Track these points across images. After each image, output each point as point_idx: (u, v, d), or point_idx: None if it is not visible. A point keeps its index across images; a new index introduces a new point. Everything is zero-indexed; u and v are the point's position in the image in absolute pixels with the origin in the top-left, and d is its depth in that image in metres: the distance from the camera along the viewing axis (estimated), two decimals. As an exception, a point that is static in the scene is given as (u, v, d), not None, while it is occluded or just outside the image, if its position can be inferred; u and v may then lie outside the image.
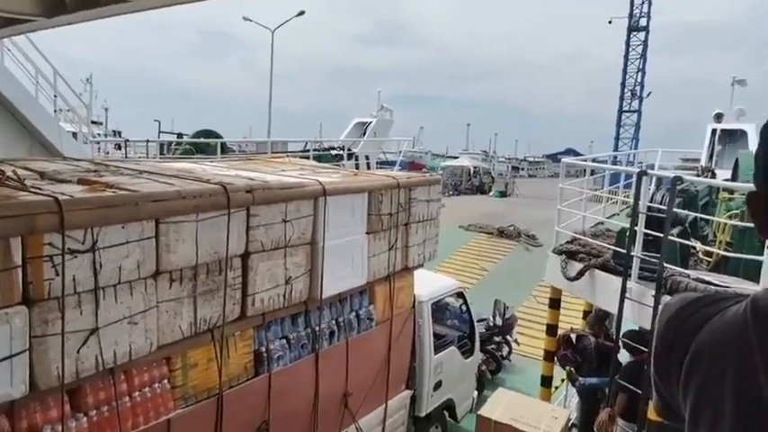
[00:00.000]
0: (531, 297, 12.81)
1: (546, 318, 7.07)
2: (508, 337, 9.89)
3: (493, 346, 9.41)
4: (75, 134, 11.38)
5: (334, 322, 4.58)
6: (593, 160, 11.70)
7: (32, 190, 2.81)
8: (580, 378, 6.17)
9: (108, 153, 15.99)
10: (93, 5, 4.86)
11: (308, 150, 14.08)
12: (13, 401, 2.50)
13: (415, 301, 5.72)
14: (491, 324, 9.43)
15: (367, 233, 4.65)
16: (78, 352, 2.71)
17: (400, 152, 16.92)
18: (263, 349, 3.91)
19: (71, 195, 2.70)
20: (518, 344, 9.99)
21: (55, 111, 9.75)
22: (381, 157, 18.90)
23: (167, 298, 3.13)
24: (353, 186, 4.48)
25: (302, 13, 25.99)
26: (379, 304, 5.06)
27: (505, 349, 9.72)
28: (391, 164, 18.25)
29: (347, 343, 4.67)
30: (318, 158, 11.68)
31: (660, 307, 1.01)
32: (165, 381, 3.30)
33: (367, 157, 15.95)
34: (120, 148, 16.18)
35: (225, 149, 12.70)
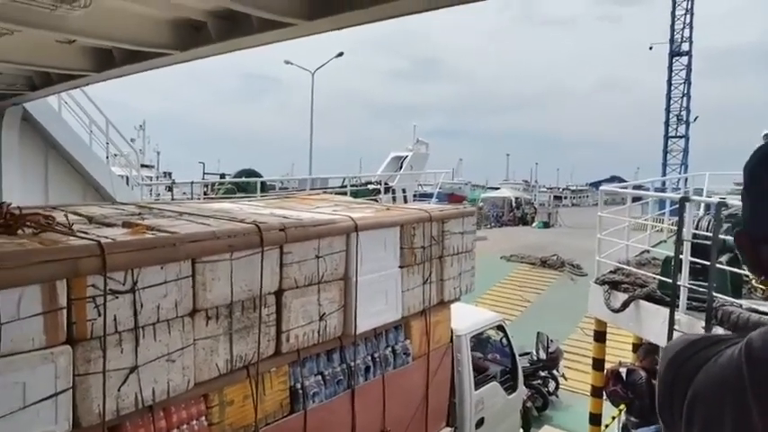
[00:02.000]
0: (577, 329, 12.38)
1: (592, 351, 6.80)
2: (555, 371, 9.56)
3: (538, 381, 9.11)
4: (127, 178, 12.02)
5: (369, 358, 4.56)
6: (636, 187, 11.38)
7: (79, 234, 2.98)
8: (632, 417, 5.86)
9: (159, 195, 16.74)
10: (137, 60, 5.21)
11: (346, 186, 14.32)
12: (57, 438, 2.59)
13: (452, 336, 5.63)
14: (535, 358, 9.14)
15: (400, 267, 4.66)
16: (119, 390, 2.80)
17: (437, 184, 16.95)
18: (299, 386, 3.92)
19: (113, 239, 2.85)
20: (565, 379, 9.63)
21: (107, 157, 10.33)
22: (419, 189, 18.99)
23: (204, 336, 3.22)
24: (385, 221, 4.53)
25: (341, 54, 26.88)
26: (415, 339, 5.01)
27: (552, 384, 9.37)
28: (429, 196, 18.29)
29: (383, 378, 4.62)
30: (356, 194, 11.86)
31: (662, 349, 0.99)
32: (203, 418, 3.34)
33: (404, 191, 16.08)
34: (170, 189, 16.89)
35: (265, 188, 13.09)
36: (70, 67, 6.07)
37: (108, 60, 5.90)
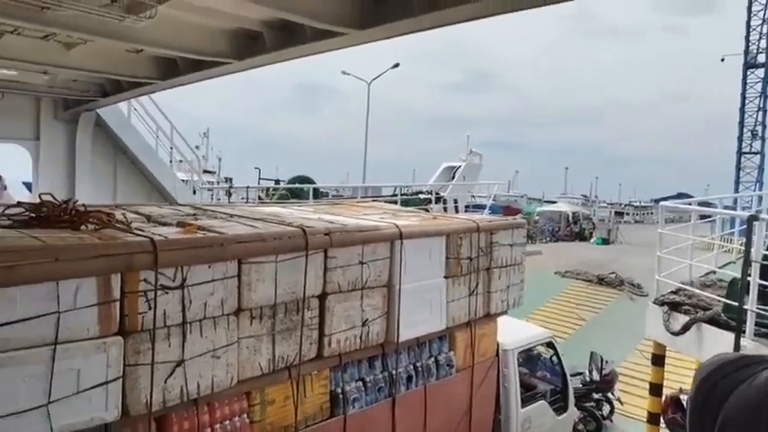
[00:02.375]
0: (636, 351, 11.76)
1: (650, 376, 6.45)
2: (610, 394, 9.11)
3: (591, 403, 8.70)
4: (189, 182, 12.57)
5: (411, 367, 4.51)
6: (703, 204, 10.76)
7: (135, 232, 3.13)
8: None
9: (219, 199, 17.41)
10: (199, 68, 5.45)
11: (397, 195, 14.36)
12: (107, 424, 2.71)
13: (499, 350, 5.49)
14: (587, 379, 8.75)
15: (445, 277, 4.60)
16: (165, 382, 2.91)
17: (491, 196, 16.68)
18: (339, 390, 3.94)
19: (166, 237, 2.98)
20: (621, 403, 9.15)
21: (170, 161, 10.85)
22: (472, 200, 18.76)
23: (248, 334, 3.29)
24: (431, 230, 4.49)
25: (397, 65, 27.11)
26: (459, 351, 4.92)
27: (606, 408, 8.93)
28: (483, 208, 18.03)
29: (425, 389, 4.56)
30: (407, 202, 11.86)
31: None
32: (245, 415, 3.41)
33: (456, 201, 15.92)
34: (228, 194, 17.51)
35: (318, 194, 13.33)
36: (138, 75, 6.45)
37: (172, 69, 6.21)
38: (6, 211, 3.42)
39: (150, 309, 2.80)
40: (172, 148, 10.81)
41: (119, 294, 2.70)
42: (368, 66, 29.45)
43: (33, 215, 3.34)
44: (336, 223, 4.02)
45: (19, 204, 3.70)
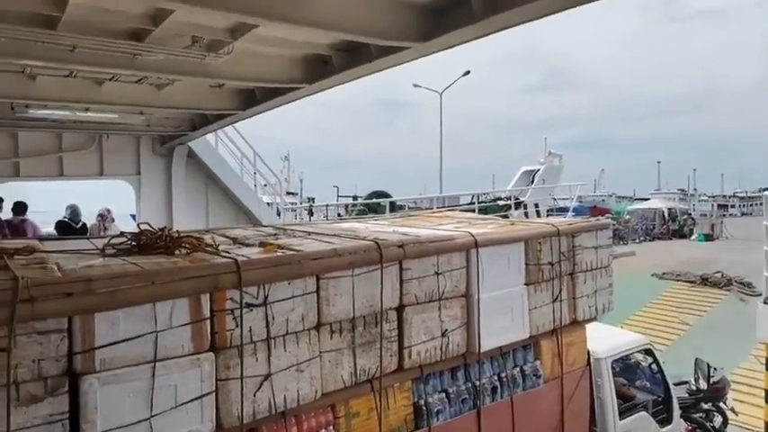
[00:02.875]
0: (750, 357, 10.72)
1: (764, 382, 5.85)
2: (722, 404, 8.36)
3: (701, 414, 8.02)
4: (273, 204, 13.20)
5: (495, 377, 4.41)
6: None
7: (222, 254, 3.34)
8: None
9: (302, 218, 18.12)
10: (274, 96, 5.75)
11: (473, 203, 14.18)
12: (204, 437, 2.89)
13: (590, 358, 5.23)
14: (694, 388, 8.09)
15: (526, 284, 4.47)
16: (254, 395, 3.05)
17: (574, 197, 15.99)
18: (423, 402, 3.93)
19: (248, 257, 3.15)
20: (735, 413, 8.37)
21: (255, 185, 11.47)
22: (554, 204, 18.08)
23: (329, 348, 3.38)
24: (507, 236, 4.39)
25: (468, 73, 26.95)
26: (546, 360, 4.74)
27: (718, 419, 8.19)
28: (566, 210, 17.33)
29: (512, 400, 4.44)
30: (485, 210, 11.67)
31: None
32: (331, 427, 3.50)
33: (536, 205, 15.43)
34: (310, 212, 18.17)
35: (394, 207, 13.46)
36: (222, 108, 6.91)
37: (251, 98, 6.61)
38: (111, 241, 3.78)
39: (237, 326, 2.97)
40: (255, 173, 11.45)
41: (209, 313, 2.89)
42: (439, 76, 29.50)
43: (134, 243, 3.67)
44: (410, 235, 4.05)
45: (122, 234, 4.08)
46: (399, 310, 3.72)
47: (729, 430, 8.27)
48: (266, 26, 4.38)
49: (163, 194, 10.63)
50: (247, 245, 3.97)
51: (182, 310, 2.79)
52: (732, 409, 8.32)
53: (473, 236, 4.08)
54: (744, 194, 57.29)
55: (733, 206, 51.75)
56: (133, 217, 12.16)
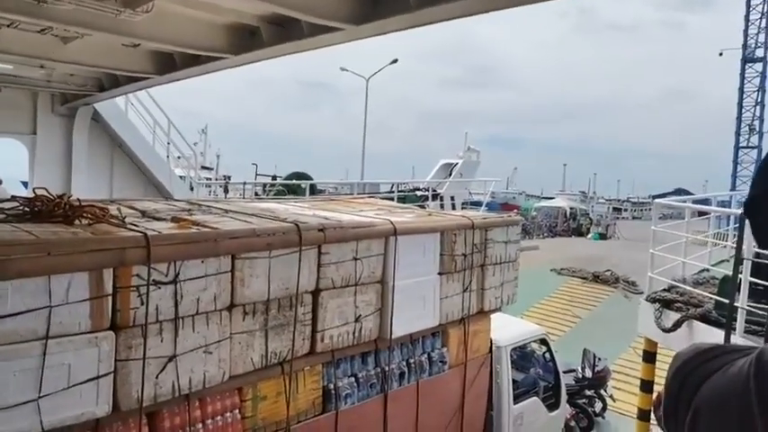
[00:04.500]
0: (629, 349, 11.82)
1: (641, 372, 6.49)
2: (602, 391, 9.17)
3: (584, 400, 8.76)
4: (186, 178, 12.56)
5: (404, 363, 4.53)
6: (700, 201, 10.79)
7: (129, 227, 3.14)
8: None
9: (217, 195, 17.40)
10: (196, 63, 5.44)
11: (393, 192, 14.38)
12: (98, 420, 2.73)
13: (492, 346, 5.52)
14: (580, 376, 8.80)
15: (439, 274, 4.62)
16: (157, 377, 2.92)
17: (487, 193, 16.71)
18: (332, 386, 3.95)
19: (159, 231, 2.98)
20: (614, 400, 9.21)
21: (167, 157, 10.84)
22: (469, 197, 18.78)
23: (240, 330, 3.30)
24: (425, 226, 4.50)
25: (395, 61, 27.06)
26: (452, 347, 4.94)
27: (598, 405, 8.99)
28: (480, 204, 18.06)
29: (418, 385, 4.58)
30: (404, 199, 11.87)
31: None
32: (236, 411, 3.43)
33: (452, 198, 15.95)
34: (225, 190, 17.51)
35: (314, 190, 13.32)
36: (135, 70, 6.43)
37: (170, 64, 6.20)
38: (0, 206, 3.43)
39: (142, 304, 2.81)
40: (169, 143, 10.80)
41: (111, 289, 2.71)
42: (368, 62, 29.38)
43: (27, 209, 3.34)
44: (331, 219, 4.03)
45: (13, 198, 3.70)
46: (315, 293, 3.71)
47: (607, 415, 9.09)
48: (192, -13, 4.14)
49: (61, 158, 9.74)
50: (158, 219, 3.76)
51: (80, 284, 2.60)
52: (611, 396, 9.15)
53: (393, 224, 4.14)
54: (636, 200, 62.77)
55: (626, 210, 56.51)
56: (24, 184, 11.06)
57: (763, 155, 0.71)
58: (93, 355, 2.63)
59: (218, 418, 3.31)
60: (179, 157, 12.24)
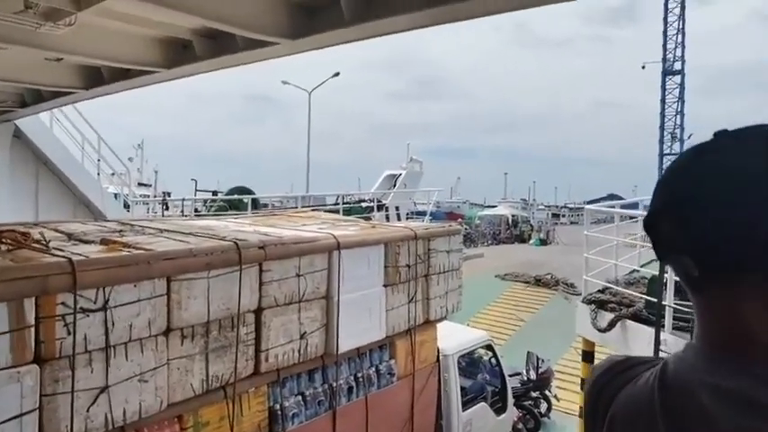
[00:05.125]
0: (570, 349, 12.27)
1: (581, 371, 6.74)
2: (547, 392, 9.45)
3: (530, 402, 8.99)
4: (118, 196, 12.01)
5: (352, 378, 4.50)
6: (630, 205, 11.40)
7: (53, 252, 2.95)
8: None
9: (156, 213, 16.71)
10: (125, 77, 5.24)
11: (338, 204, 14.33)
12: (22, 461, 2.53)
13: (439, 355, 5.57)
14: (525, 378, 9.04)
15: (384, 286, 4.62)
16: (88, 410, 2.75)
17: (431, 202, 16.98)
18: (278, 407, 3.86)
19: (86, 256, 2.82)
20: (557, 400, 9.52)
21: (98, 174, 10.33)
22: (414, 207, 19.00)
23: (178, 355, 3.17)
24: (368, 239, 4.50)
25: (337, 74, 27.13)
26: (400, 359, 4.95)
27: (544, 405, 9.25)
28: (424, 214, 18.29)
29: (366, 399, 4.55)
30: (349, 211, 11.84)
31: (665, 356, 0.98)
32: (177, 440, 3.28)
33: (397, 208, 16.09)
34: (166, 207, 16.87)
35: (257, 205, 13.06)
36: (59, 85, 6.11)
37: (97, 78, 5.94)
38: None
39: (69, 333, 2.64)
40: (99, 159, 10.29)
41: (33, 320, 2.53)
42: (310, 75, 29.28)
43: (-64, 237, 3.09)
44: (272, 235, 3.95)
45: None
46: (258, 312, 3.61)
47: (552, 415, 9.37)
48: (116, 0, 3.98)
49: (-21, 178, 9.08)
50: (86, 242, 3.56)
51: (-2, 316, 2.41)
52: (555, 396, 9.45)
53: (335, 237, 4.12)
54: (573, 205, 65.55)
55: (564, 215, 58.88)
56: None
57: (670, 166, 0.75)
58: (16, 392, 2.45)
59: (157, 448, 3.15)
60: (113, 174, 11.71)
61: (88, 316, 2.72)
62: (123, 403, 2.88)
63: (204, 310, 3.26)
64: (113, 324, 2.81)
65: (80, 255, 2.82)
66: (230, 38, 4.40)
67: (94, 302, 2.75)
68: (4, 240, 3.09)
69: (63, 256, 2.76)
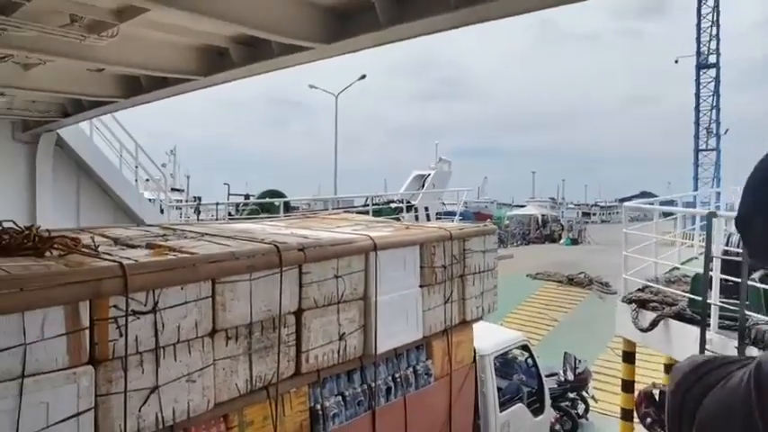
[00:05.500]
0: (607, 349, 12.02)
1: (621, 373, 6.60)
2: (584, 393, 9.29)
3: (567, 403, 8.85)
4: (156, 201, 12.32)
5: (390, 378, 4.51)
6: (665, 202, 11.12)
7: (103, 256, 3.06)
8: (663, 438, 5.64)
9: (189, 217, 17.07)
10: (163, 86, 5.37)
11: (368, 205, 14.38)
12: (80, 458, 2.62)
13: (476, 356, 5.54)
14: (562, 379, 8.90)
15: (420, 286, 4.63)
16: (140, 410, 2.83)
17: (460, 202, 16.88)
18: (319, 407, 3.90)
19: (136, 260, 2.91)
20: (595, 401, 9.34)
21: (136, 180, 10.61)
22: (442, 208, 18.92)
23: (224, 356, 3.24)
24: (404, 240, 4.51)
25: (364, 77, 27.25)
26: (437, 359, 4.94)
27: (581, 407, 9.09)
28: (453, 215, 18.20)
29: (405, 399, 4.56)
30: (378, 212, 11.88)
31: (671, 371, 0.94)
32: (223, 439, 3.35)
33: (426, 209, 16.05)
34: (197, 211, 17.20)
35: (288, 208, 13.21)
36: (100, 94, 6.31)
37: (135, 87, 6.11)
38: (-36, 241, 3.29)
39: (121, 335, 2.73)
40: (137, 166, 10.58)
41: (88, 322, 2.63)
42: (337, 79, 29.49)
43: (-6, 243, 3.22)
44: (310, 238, 4.00)
45: (-23, 232, 3.56)
46: (298, 314, 3.67)
47: (590, 416, 9.20)
48: (157, 11, 4.09)
49: (24, 187, 9.41)
50: (132, 246, 3.67)
51: (56, 319, 2.51)
52: (593, 397, 9.27)
53: (372, 239, 4.14)
54: (603, 204, 64.31)
55: (594, 214, 57.82)
56: None
57: (758, 167, 0.75)
58: (73, 392, 2.54)
59: (205, 447, 3.22)
60: (147, 180, 12.03)
61: (139, 318, 2.81)
62: (173, 403, 2.96)
63: (247, 311, 3.32)
64: (163, 326, 2.89)
65: (129, 259, 2.91)
66: (266, 44, 4.47)
67: (144, 305, 2.83)
68: (56, 246, 3.21)
69: (114, 261, 2.85)
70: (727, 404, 0.69)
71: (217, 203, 13.18)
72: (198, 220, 13.04)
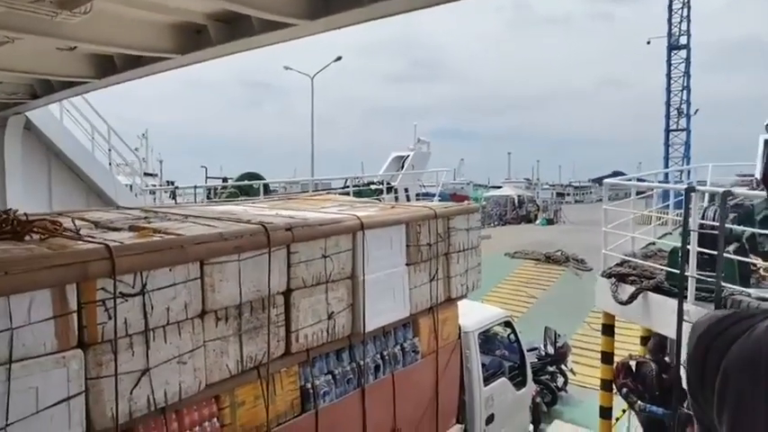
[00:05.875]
0: (584, 324, 12.35)
1: (600, 345, 6.78)
2: (563, 366, 9.54)
3: (547, 376, 9.09)
4: (131, 186, 12.04)
5: (378, 356, 4.55)
6: (639, 180, 11.35)
7: (87, 239, 2.98)
8: (639, 402, 5.84)
9: (163, 202, 16.75)
10: (138, 65, 5.22)
11: (348, 187, 14.33)
12: (72, 442, 2.59)
13: (460, 332, 5.62)
14: (542, 353, 9.12)
15: (407, 265, 4.66)
16: (131, 393, 2.80)
17: (439, 183, 16.94)
18: (309, 385, 3.92)
19: (121, 242, 2.85)
20: (574, 373, 9.61)
21: (110, 164, 10.35)
22: (421, 189, 18.96)
23: (214, 337, 3.21)
24: (391, 219, 4.52)
25: (339, 58, 26.92)
26: (423, 336, 5.01)
27: (560, 380, 9.35)
28: (432, 196, 18.26)
29: (393, 377, 4.61)
30: (359, 194, 11.85)
31: (689, 327, 0.96)
32: (215, 419, 3.34)
33: (406, 190, 16.08)
34: (173, 196, 16.89)
35: (268, 190, 13.08)
36: (71, 74, 6.09)
37: (109, 66, 5.91)
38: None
39: (110, 318, 2.68)
40: (110, 150, 10.30)
41: (76, 305, 2.57)
42: (312, 60, 29.04)
43: (-30, 228, 3.11)
44: (297, 218, 3.97)
45: (-49, 217, 3.43)
46: (287, 294, 3.66)
47: (569, 388, 9.47)
48: (132, -14, 3.95)
49: (-8, 171, 9.10)
50: (114, 229, 3.59)
51: (43, 303, 2.46)
52: (572, 370, 9.53)
53: (359, 218, 4.13)
54: (577, 184, 65.32)
55: (569, 194, 58.72)
56: None
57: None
58: (62, 376, 2.49)
59: (197, 428, 3.21)
60: (119, 165, 11.74)
61: (127, 300, 2.76)
62: (164, 385, 2.93)
63: (236, 292, 3.30)
64: (152, 308, 2.85)
65: (114, 241, 2.85)
66: (246, 21, 4.35)
67: (133, 287, 2.78)
68: (36, 230, 3.12)
69: (99, 243, 2.79)
70: (752, 354, 0.71)
71: (195, 186, 12.94)
72: (175, 203, 12.80)
